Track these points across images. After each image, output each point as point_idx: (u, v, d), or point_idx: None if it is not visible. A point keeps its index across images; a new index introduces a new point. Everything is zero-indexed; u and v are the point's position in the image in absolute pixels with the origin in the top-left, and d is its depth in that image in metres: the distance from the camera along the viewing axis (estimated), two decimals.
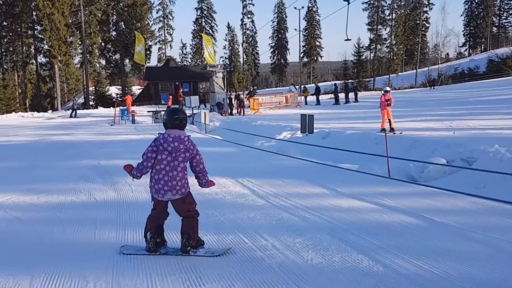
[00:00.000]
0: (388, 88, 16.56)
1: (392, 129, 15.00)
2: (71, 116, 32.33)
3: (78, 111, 37.86)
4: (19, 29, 48.92)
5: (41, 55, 47.92)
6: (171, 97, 34.38)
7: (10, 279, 3.77)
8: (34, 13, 44.84)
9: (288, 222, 5.22)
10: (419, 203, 6.05)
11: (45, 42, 42.56)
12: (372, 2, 67.35)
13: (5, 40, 50.51)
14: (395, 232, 4.82)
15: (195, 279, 3.66)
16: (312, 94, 38.48)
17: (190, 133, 16.21)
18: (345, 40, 25.17)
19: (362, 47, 68.05)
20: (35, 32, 47.13)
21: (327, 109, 29.47)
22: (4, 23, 49.37)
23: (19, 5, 46.90)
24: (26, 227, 5.48)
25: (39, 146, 15.71)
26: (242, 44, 71.60)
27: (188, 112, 30.35)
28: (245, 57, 72.53)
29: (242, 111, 28.57)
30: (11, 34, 49.82)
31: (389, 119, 15.18)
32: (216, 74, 30.91)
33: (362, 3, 67.63)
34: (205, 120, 21.64)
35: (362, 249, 4.25)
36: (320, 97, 35.72)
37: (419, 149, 11.51)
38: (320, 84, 43.55)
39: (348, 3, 24.18)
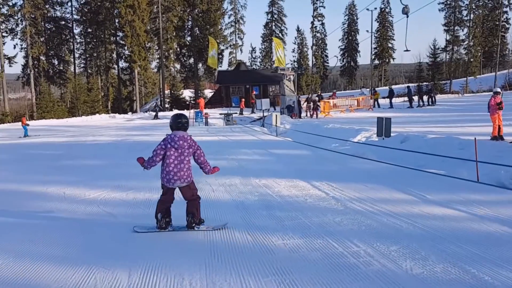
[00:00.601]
0: (498, 89, 14.48)
1: (500, 137, 13.17)
2: (155, 118, 33.73)
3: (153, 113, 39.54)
4: (102, 36, 52.16)
5: (122, 60, 50.78)
6: (243, 100, 34.80)
7: (109, 273, 3.89)
8: (117, 20, 47.56)
9: (379, 229, 4.97)
10: None
11: (126, 48, 45.02)
12: (449, 2, 63.93)
13: (90, 46, 54.07)
14: (497, 242, 4.43)
15: (289, 282, 3.54)
16: (385, 97, 37.21)
17: (260, 135, 16.32)
18: (404, 51, 24.14)
19: (438, 48, 64.77)
20: (117, 38, 49.99)
21: (401, 112, 28.28)
22: (89, 30, 52.87)
23: (103, 13, 50.01)
24: (119, 222, 5.69)
25: (122, 146, 16.51)
26: (312, 47, 71.07)
27: (258, 114, 30.62)
28: (314, 60, 71.88)
29: (315, 114, 28.08)
30: (95, 40, 53.26)
31: (498, 125, 13.21)
32: (287, 76, 30.83)
33: (439, 3, 64.40)
34: (276, 123, 21.60)
35: (465, 260, 3.91)
36: (393, 100, 34.44)
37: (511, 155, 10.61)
38: (393, 87, 42.00)
39: (407, 17, 23.57)
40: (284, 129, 23.45)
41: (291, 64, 69.07)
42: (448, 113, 25.38)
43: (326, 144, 15.31)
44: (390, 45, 78.15)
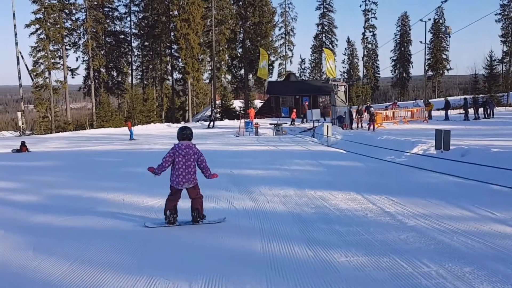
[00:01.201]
0: None
1: None
2: (209, 127, 34.37)
3: (206, 122, 40.15)
4: (158, 49, 53.92)
5: (176, 72, 52.10)
6: (294, 110, 34.61)
7: (170, 284, 3.82)
8: (172, 34, 49.01)
9: (449, 248, 4.60)
10: None
11: (180, 60, 46.21)
12: (506, 13, 60.90)
13: (146, 58, 56.00)
14: None
15: None
16: (439, 109, 35.71)
17: (311, 146, 16.02)
18: (448, 69, 22.96)
19: (494, 60, 61.71)
20: (172, 51, 51.46)
21: (458, 124, 26.97)
22: (146, 43, 54.80)
23: (159, 27, 51.73)
24: (177, 231, 5.65)
25: None
26: (363, 58, 69.84)
27: (309, 124, 30.29)
28: (365, 71, 70.55)
29: (372, 126, 27.10)
30: (151, 53, 55.10)
31: None
32: (338, 87, 30.33)
33: (495, 14, 61.51)
34: (327, 133, 21.21)
35: None
36: (448, 112, 32.97)
37: None
38: (448, 98, 40.28)
39: (449, 37, 22.51)
40: (335, 140, 22.99)
41: (341, 75, 68.25)
42: (507, 126, 23.92)
43: (380, 156, 14.79)
44: (444, 56, 75.42)
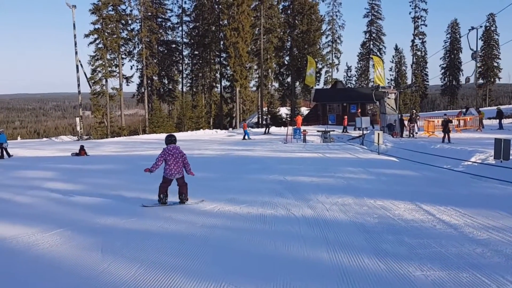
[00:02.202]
0: None
1: None
2: (265, 133, 34.60)
3: (253, 129, 40.26)
4: (208, 57, 54.82)
5: (225, 80, 52.78)
6: (346, 117, 34.03)
7: None
8: (221, 43, 49.70)
9: None
10: None
11: (229, 68, 46.72)
12: None
13: (196, 67, 57.07)
14: None
15: None
16: (492, 118, 33.93)
17: (362, 154, 15.59)
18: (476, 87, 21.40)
19: None
20: (221, 59, 52.16)
21: None
22: (196, 52, 55.88)
23: (209, 36, 52.64)
24: (238, 236, 5.54)
25: (227, 160, 16.79)
26: (412, 66, 67.81)
27: (357, 132, 29.64)
28: (414, 78, 68.43)
29: (412, 132, 26.21)
30: (201, 61, 56.12)
31: None
32: (388, 95, 29.47)
33: None
34: (378, 141, 20.58)
35: None
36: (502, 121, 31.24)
37: None
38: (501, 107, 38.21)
39: (476, 61, 20.90)
40: (386, 148, 22.29)
41: (388, 82, 66.47)
42: None
43: (435, 164, 14.13)
44: (495, 64, 71.93)
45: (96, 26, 44.31)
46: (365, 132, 27.44)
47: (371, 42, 69.76)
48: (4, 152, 20.31)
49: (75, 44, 39.51)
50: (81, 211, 7.37)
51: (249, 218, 6.58)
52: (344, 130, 32.97)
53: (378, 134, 21.24)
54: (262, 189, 9.20)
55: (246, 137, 30.87)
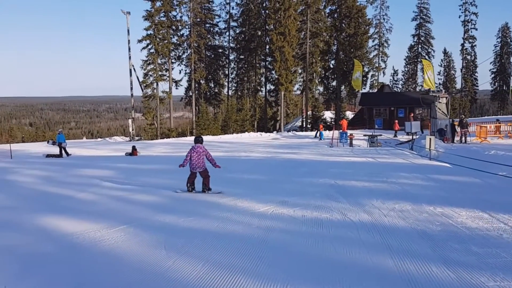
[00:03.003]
0: None
1: None
2: (315, 137, 34.51)
3: (298, 133, 40.02)
4: (253, 61, 55.13)
5: (269, 83, 52.82)
6: (396, 121, 33.13)
7: None
8: (267, 47, 49.85)
9: None
10: None
11: (274, 72, 46.75)
12: None
13: (241, 71, 57.53)
14: None
15: None
16: None
17: (412, 159, 15.07)
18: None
19: None
20: (266, 63, 52.31)
21: None
22: (241, 57, 56.35)
23: (255, 41, 52.94)
24: (295, 239, 5.47)
25: (274, 162, 16.72)
26: (461, 70, 65.08)
27: (406, 137, 28.75)
28: (463, 83, 65.64)
29: (464, 138, 25.02)
30: (246, 65, 56.51)
31: None
32: (439, 99, 28.38)
33: None
34: (430, 146, 19.84)
35: None
36: None
37: None
38: None
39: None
40: (437, 154, 21.47)
41: (437, 86, 64.03)
42: None
43: (490, 171, 13.40)
44: None
45: (149, 32, 45.66)
46: (414, 137, 26.52)
47: (420, 46, 67.54)
48: (63, 151, 21.29)
49: (129, 49, 40.86)
50: (141, 209, 7.55)
51: (305, 221, 6.48)
52: (395, 135, 32.12)
53: (430, 139, 20.49)
54: (313, 192, 9.07)
55: (320, 137, 32.39)
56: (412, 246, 5.07)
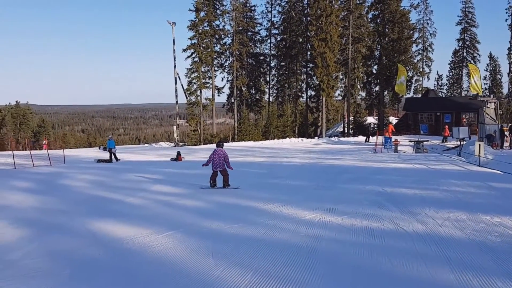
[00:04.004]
0: None
1: None
2: (366, 141, 33.98)
3: (342, 139, 39.30)
4: (294, 68, 54.85)
5: (310, 89, 52.30)
6: (447, 127, 31.86)
7: None
8: (308, 53, 49.45)
9: None
10: None
11: (315, 77, 46.22)
12: None
13: (282, 77, 57.36)
14: None
15: None
16: None
17: (461, 165, 14.24)
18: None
19: None
20: (307, 69, 51.86)
21: None
22: (282, 63, 56.21)
23: (296, 47, 52.67)
24: (347, 249, 5.20)
25: (317, 168, 16.37)
26: (508, 74, 61.80)
27: (453, 143, 27.51)
28: (511, 87, 62.27)
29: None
30: (287, 72, 56.29)
31: None
32: (487, 104, 27.00)
33: None
34: (479, 152, 18.83)
35: None
36: None
37: None
38: None
39: None
40: (486, 160, 20.35)
41: (483, 91, 61.05)
42: None
43: None
44: None
45: (193, 41, 46.48)
46: (462, 142, 25.31)
47: (465, 50, 64.84)
48: (113, 156, 21.90)
49: (174, 58, 41.65)
50: (187, 214, 7.51)
51: (354, 230, 6.18)
52: (444, 140, 30.85)
53: (479, 145, 19.46)
54: (361, 200, 8.72)
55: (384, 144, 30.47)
56: (472, 258, 4.68)
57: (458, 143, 25.77)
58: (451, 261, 4.59)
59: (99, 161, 21.95)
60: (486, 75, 67.80)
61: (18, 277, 4.40)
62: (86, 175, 14.38)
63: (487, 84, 67.44)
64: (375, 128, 46.18)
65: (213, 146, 39.78)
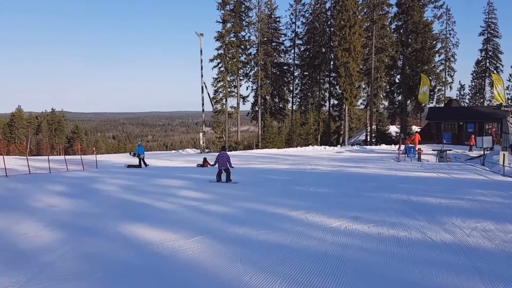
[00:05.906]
0: None
1: None
2: (399, 149, 33.38)
3: (366, 147, 38.75)
4: (317, 77, 54.62)
5: (333, 98, 51.90)
6: (473, 136, 31.04)
7: None
8: (332, 63, 49.19)
9: None
10: None
11: (338, 87, 45.89)
12: None
13: (305, 86, 57.19)
14: None
15: None
16: None
17: (485, 175, 13.88)
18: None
19: None
20: (331, 79, 51.55)
21: None
22: (305, 73, 56.08)
23: (320, 57, 52.48)
24: (375, 258, 5.06)
25: (341, 176, 16.14)
26: None
27: (476, 152, 26.71)
28: None
29: None
30: (310, 81, 56.08)
31: None
32: (511, 114, 26.14)
33: None
34: (504, 162, 18.20)
35: None
36: None
37: None
38: None
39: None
40: (510, 169, 19.65)
41: (506, 101, 59.17)
42: None
43: None
44: None
45: (219, 52, 46.91)
46: (486, 152, 24.53)
47: (487, 60, 63.17)
48: (142, 162, 22.21)
49: (201, 67, 42.12)
50: (215, 219, 7.49)
51: (381, 239, 6.03)
52: (470, 150, 30.05)
53: (504, 154, 18.83)
54: (386, 208, 8.52)
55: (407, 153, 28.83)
56: (503, 270, 4.48)
57: (482, 152, 24.99)
58: (482, 272, 4.40)
59: (129, 166, 22.28)
60: (509, 85, 65.87)
61: (52, 279, 4.45)
62: (117, 180, 14.60)
63: (510, 94, 65.49)
64: (406, 137, 45.42)
65: (237, 153, 39.86)
